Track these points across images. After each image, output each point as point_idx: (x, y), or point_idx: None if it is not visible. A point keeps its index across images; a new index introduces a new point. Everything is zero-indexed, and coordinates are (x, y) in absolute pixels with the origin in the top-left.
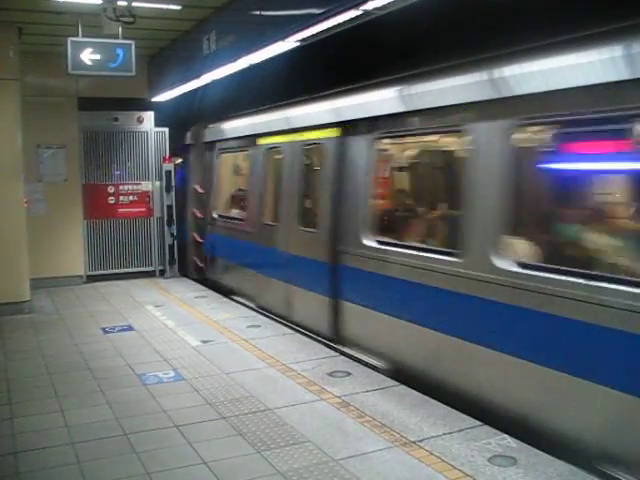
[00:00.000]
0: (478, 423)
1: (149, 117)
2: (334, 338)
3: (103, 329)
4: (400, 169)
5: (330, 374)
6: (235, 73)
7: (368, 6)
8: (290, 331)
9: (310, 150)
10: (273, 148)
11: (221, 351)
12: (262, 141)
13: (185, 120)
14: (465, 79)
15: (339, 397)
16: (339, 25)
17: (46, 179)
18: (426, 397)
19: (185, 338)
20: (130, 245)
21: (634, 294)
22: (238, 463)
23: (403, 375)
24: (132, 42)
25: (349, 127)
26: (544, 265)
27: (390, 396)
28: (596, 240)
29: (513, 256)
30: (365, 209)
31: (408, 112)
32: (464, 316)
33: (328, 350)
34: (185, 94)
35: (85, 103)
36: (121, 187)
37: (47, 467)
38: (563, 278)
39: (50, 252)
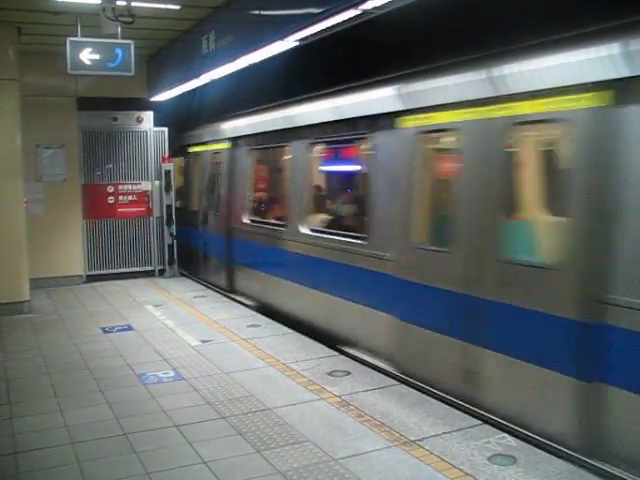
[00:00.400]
0: (477, 422)
1: (148, 117)
2: (229, 290)
3: (102, 329)
4: (266, 171)
5: (329, 373)
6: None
7: (367, 5)
8: (290, 331)
9: (216, 157)
10: (197, 154)
11: (221, 351)
12: (191, 149)
13: (184, 120)
14: (284, 112)
15: (339, 396)
16: (338, 25)
17: (45, 179)
18: (425, 396)
19: (185, 338)
20: (129, 245)
21: (358, 244)
22: (238, 463)
23: (264, 309)
24: (131, 42)
25: (236, 141)
26: (322, 229)
27: (389, 395)
28: (348, 214)
29: (310, 225)
30: (245, 198)
31: (261, 133)
32: (287, 265)
33: (328, 350)
34: (183, 94)
35: (84, 103)
36: (120, 187)
37: (47, 467)
38: (328, 236)
39: (49, 252)
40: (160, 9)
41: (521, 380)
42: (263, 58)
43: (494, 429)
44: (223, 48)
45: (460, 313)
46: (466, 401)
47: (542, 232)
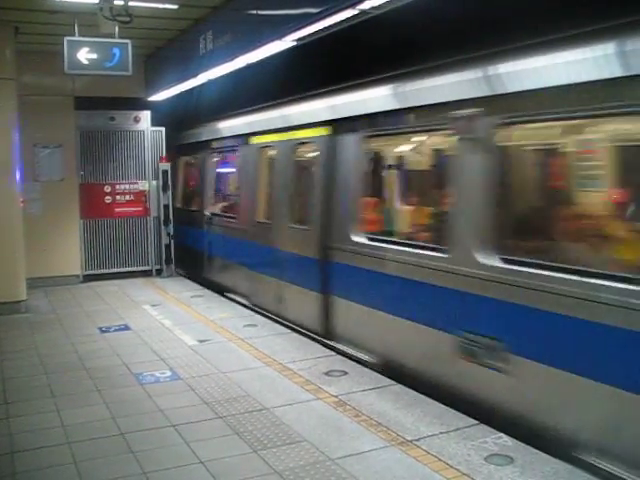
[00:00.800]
0: (474, 422)
1: (146, 116)
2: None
3: (100, 328)
4: (194, 172)
5: (326, 373)
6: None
7: (364, 5)
8: (287, 330)
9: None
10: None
11: (218, 350)
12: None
13: (181, 120)
14: (197, 130)
15: (336, 396)
16: (336, 24)
17: (42, 178)
18: (422, 396)
19: (182, 337)
20: (127, 244)
21: (233, 222)
22: (235, 462)
23: (189, 275)
24: (128, 41)
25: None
26: (217, 212)
27: (386, 395)
28: (233, 202)
29: (212, 210)
30: (181, 192)
31: (186, 144)
32: (199, 240)
33: (325, 349)
34: (181, 94)
35: (82, 102)
36: (117, 186)
37: (44, 467)
38: (219, 218)
39: (47, 251)
40: (158, 8)
41: (300, 298)
42: (260, 58)
43: (491, 429)
44: (221, 48)
45: (275, 261)
46: (280, 317)
47: (306, 208)
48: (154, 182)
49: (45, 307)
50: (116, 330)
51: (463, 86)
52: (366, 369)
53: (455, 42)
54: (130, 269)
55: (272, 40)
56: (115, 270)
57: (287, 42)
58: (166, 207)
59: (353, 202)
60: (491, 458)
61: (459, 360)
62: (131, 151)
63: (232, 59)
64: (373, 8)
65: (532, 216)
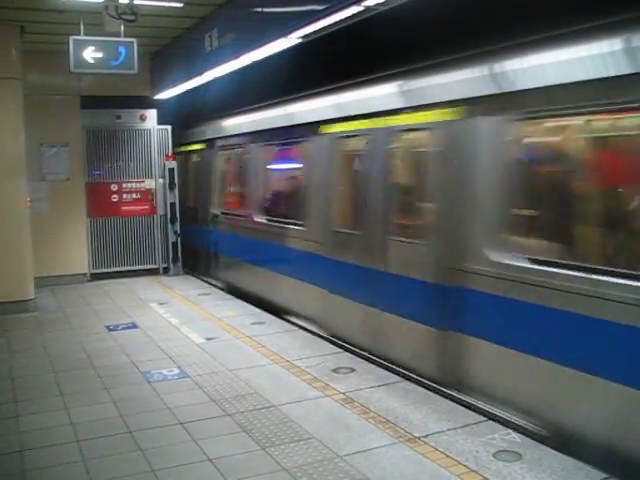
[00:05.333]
0: (482, 418)
1: (152, 115)
2: None
3: (107, 327)
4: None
5: (334, 370)
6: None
7: (369, 2)
8: (294, 328)
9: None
10: None
11: (225, 348)
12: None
13: (188, 118)
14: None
15: (343, 393)
16: (341, 21)
17: (49, 178)
18: (430, 393)
19: (189, 335)
20: (133, 243)
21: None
22: (243, 460)
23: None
24: (134, 40)
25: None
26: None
27: (394, 392)
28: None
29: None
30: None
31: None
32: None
33: (332, 346)
34: (187, 92)
35: (87, 101)
36: (124, 185)
37: (52, 465)
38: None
39: (54, 251)
40: (163, 7)
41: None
42: (266, 55)
43: (499, 425)
44: (226, 46)
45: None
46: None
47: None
48: (160, 180)
49: (53, 306)
50: (124, 328)
51: None
52: (374, 365)
53: None
54: (137, 267)
55: (277, 37)
56: (122, 269)
57: (292, 39)
58: (172, 205)
59: None
60: (499, 454)
61: None
62: (137, 150)
63: (237, 57)
64: (378, 4)
65: None
